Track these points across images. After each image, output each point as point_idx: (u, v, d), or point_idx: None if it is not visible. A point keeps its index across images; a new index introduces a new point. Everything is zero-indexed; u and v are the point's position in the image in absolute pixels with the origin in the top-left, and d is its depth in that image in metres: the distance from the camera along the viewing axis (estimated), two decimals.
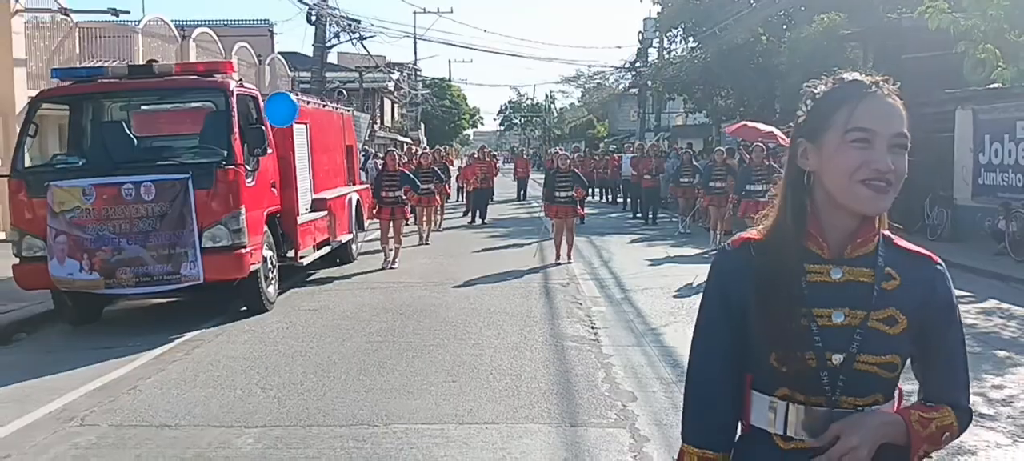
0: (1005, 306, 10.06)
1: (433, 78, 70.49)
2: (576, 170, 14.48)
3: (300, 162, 11.21)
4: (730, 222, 15.16)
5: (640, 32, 43.10)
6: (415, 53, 54.08)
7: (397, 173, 13.70)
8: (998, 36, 13.22)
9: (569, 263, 13.58)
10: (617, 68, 61.05)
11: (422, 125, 60.96)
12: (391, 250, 13.55)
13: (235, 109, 9.11)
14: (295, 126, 10.90)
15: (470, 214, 22.15)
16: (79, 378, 7.04)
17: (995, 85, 16.01)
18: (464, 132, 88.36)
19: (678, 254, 15.06)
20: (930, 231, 16.85)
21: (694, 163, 19.23)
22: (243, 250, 8.96)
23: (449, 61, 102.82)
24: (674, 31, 32.25)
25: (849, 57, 22.42)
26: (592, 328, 8.81)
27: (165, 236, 8.62)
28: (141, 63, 10.64)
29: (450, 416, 5.89)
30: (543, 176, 34.42)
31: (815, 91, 1.82)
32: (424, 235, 17.08)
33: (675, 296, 10.79)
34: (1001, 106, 15.52)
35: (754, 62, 27.88)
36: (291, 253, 10.55)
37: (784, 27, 27.50)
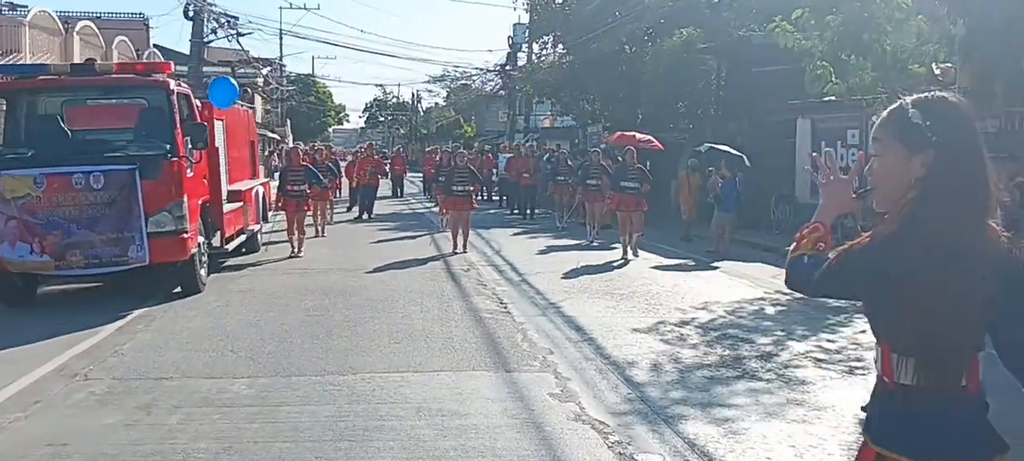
0: None
1: (297, 74, 70.05)
2: (471, 167, 15.80)
3: (221, 156, 12.06)
4: (607, 216, 16.89)
5: (510, 37, 44.81)
6: (281, 49, 53.28)
7: (302, 168, 14.65)
8: (834, 56, 15.39)
9: (465, 252, 14.88)
10: (482, 70, 62.78)
11: (288, 121, 60.68)
12: (297, 240, 14.48)
13: (177, 106, 9.95)
14: (216, 121, 11.74)
15: (357, 210, 23.08)
16: (53, 348, 7.80)
17: (829, 98, 18.48)
18: (329, 128, 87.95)
19: (560, 244, 16.66)
20: (776, 225, 19.19)
21: (569, 163, 20.92)
22: (185, 235, 9.84)
23: (313, 57, 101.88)
24: (546, 38, 34.05)
25: (704, 69, 24.83)
26: (501, 304, 10.17)
27: (113, 222, 9.40)
28: (80, 62, 11.23)
29: (405, 367, 7.12)
30: (420, 174, 35.70)
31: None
32: (319, 228, 17.96)
33: (564, 278, 12.30)
34: (834, 116, 17.91)
35: (619, 70, 29.94)
36: (217, 240, 11.38)
37: (647, 39, 29.67)
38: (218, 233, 11.40)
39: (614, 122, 32.27)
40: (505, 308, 9.86)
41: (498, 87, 53.01)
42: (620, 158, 16.12)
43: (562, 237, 18.04)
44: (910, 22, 14.72)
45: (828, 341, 8.47)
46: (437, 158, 20.47)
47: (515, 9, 42.00)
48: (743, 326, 9.15)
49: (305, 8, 54.97)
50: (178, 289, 10.56)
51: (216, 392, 6.35)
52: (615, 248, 15.85)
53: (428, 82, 78.71)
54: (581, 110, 35.08)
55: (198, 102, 10.98)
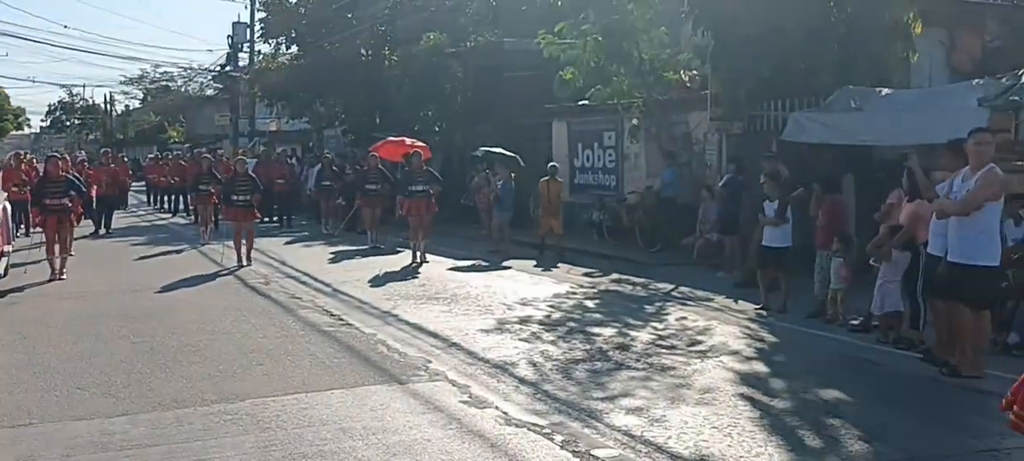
0: (625, 277, 13.05)
1: None
2: (254, 175, 15.00)
3: None
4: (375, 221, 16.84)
5: (230, 36, 42.73)
6: None
7: (62, 179, 13.09)
8: (592, 63, 16.46)
9: (250, 265, 14.13)
10: (187, 70, 59.29)
11: None
12: (60, 260, 12.93)
13: None
14: None
15: (95, 223, 20.87)
16: None
17: (584, 102, 19.77)
18: (9, 134, 78.33)
19: (343, 251, 16.32)
20: (535, 224, 20.15)
21: (334, 168, 20.50)
22: None
23: None
24: (278, 39, 32.90)
25: (453, 74, 25.40)
26: (333, 316, 9.86)
27: None
28: None
29: (291, 388, 6.74)
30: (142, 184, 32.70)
31: None
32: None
33: (375, 286, 12.16)
34: (590, 119, 19.17)
35: (358, 74, 29.74)
36: None
37: (386, 44, 29.70)
38: None
39: (353, 126, 32.04)
40: (342, 320, 9.57)
41: (218, 89, 50.29)
42: (409, 163, 16.16)
43: (337, 244, 17.67)
44: (652, 32, 16.25)
45: (660, 328, 9.21)
46: (201, 165, 18.97)
47: (244, 6, 39.62)
48: (578, 319, 9.66)
49: None
50: None
51: (99, 434, 5.63)
52: (401, 252, 15.90)
53: (124, 83, 72.54)
54: (316, 113, 34.38)
55: None
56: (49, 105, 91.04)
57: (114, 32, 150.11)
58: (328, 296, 11.33)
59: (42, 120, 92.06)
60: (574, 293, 11.54)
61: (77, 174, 16.35)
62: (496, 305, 10.55)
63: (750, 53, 13.92)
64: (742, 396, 6.59)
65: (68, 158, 13.52)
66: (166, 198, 28.47)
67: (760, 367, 7.64)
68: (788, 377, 7.18)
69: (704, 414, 6.08)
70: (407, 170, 15.79)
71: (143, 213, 28.10)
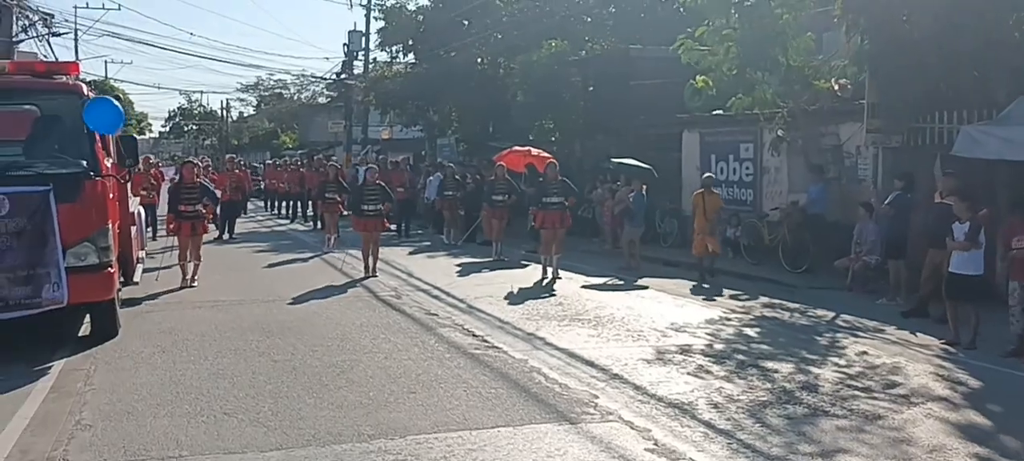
0: (776, 301, 12.01)
1: (93, 78, 64.61)
2: (381, 183, 14.58)
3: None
4: (501, 233, 16.22)
5: (346, 44, 43.09)
6: (76, 52, 48.30)
7: (197, 185, 12.92)
8: (738, 72, 15.46)
9: (375, 276, 13.69)
10: (300, 78, 60.36)
11: None
12: (193, 267, 12.76)
13: None
14: None
15: (219, 229, 20.99)
16: None
17: (718, 111, 18.73)
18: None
19: (469, 262, 15.78)
20: (662, 239, 19.24)
21: (456, 178, 20.03)
22: (111, 269, 8.18)
23: (105, 62, 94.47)
24: (395, 47, 32.82)
25: (571, 82, 24.63)
26: (476, 336, 9.21)
27: (23, 255, 7.63)
28: None
29: (451, 423, 6.08)
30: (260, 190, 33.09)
31: None
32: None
33: (512, 304, 11.49)
34: (725, 130, 18.12)
35: (474, 82, 29.35)
36: (136, 274, 9.68)
37: (502, 52, 29.23)
38: (129, 263, 9.66)
39: (466, 135, 31.69)
40: (487, 342, 8.91)
41: (330, 97, 50.94)
42: (543, 174, 15.56)
43: (461, 255, 17.14)
44: (800, 38, 15.10)
45: (842, 364, 8.21)
46: (328, 173, 18.60)
47: (364, 11, 39.80)
48: (745, 351, 8.74)
49: (103, 7, 50.47)
50: (85, 332, 8.83)
51: None
52: (527, 266, 15.24)
53: (240, 90, 74.77)
54: (429, 121, 34.19)
55: None
56: (169, 111, 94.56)
57: (237, 39, 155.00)
58: (464, 313, 10.70)
59: (162, 126, 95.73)
60: (729, 319, 10.60)
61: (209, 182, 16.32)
62: (647, 330, 9.72)
63: (915, 60, 12.73)
64: (978, 458, 5.60)
65: (199, 164, 13.29)
66: (284, 204, 28.68)
67: (979, 418, 6.59)
68: (1018, 433, 6.14)
69: None
70: (541, 181, 15.06)
71: (261, 218, 28.34)
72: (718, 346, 8.96)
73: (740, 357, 8.44)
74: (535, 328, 9.66)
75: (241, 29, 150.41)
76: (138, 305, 10.88)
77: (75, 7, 62.87)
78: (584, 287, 13.14)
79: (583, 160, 23.43)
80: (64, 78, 8.52)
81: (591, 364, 7.97)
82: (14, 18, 26.70)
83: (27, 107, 8.72)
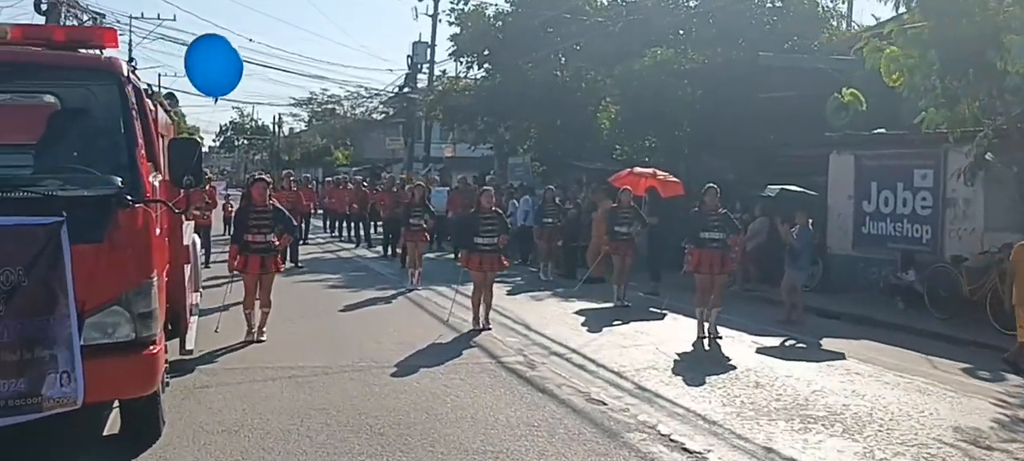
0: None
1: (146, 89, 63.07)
2: (498, 210, 11.60)
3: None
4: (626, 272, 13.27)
5: (409, 56, 40.54)
6: (131, 59, 46.28)
7: (269, 208, 10.02)
8: (932, 78, 12.29)
9: (489, 329, 10.74)
10: (352, 91, 58.07)
11: None
12: (260, 315, 9.88)
13: (134, 105, 5.41)
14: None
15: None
16: None
17: (880, 130, 15.51)
18: None
19: (587, 309, 12.77)
20: (806, 283, 15.98)
21: (557, 202, 17.05)
22: (154, 347, 5.27)
23: (158, 74, 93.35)
24: (469, 57, 29.96)
25: (676, 95, 21.43)
26: (686, 452, 6.18)
27: (15, 328, 4.77)
28: None
29: None
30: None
31: None
32: None
33: (697, 385, 8.44)
34: (892, 152, 14.90)
35: (554, 95, 26.49)
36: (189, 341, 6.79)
37: (586, 65, 26.38)
38: (180, 321, 6.80)
39: (543, 154, 28.67)
40: (691, 453, 5.89)
41: (386, 113, 48.43)
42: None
43: (569, 296, 14.08)
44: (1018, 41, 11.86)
45: None
46: (396, 191, 15.77)
47: (436, 19, 37.38)
48: None
49: (159, 17, 48.68)
50: (113, 431, 5.98)
51: None
52: (658, 313, 12.27)
53: (292, 104, 72.94)
54: (500, 138, 31.29)
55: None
56: (221, 125, 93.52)
57: (300, 48, 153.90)
58: (638, 398, 7.65)
59: (213, 140, 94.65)
60: (1008, 414, 7.44)
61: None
62: (931, 442, 6.60)
63: None
64: None
65: (270, 180, 10.49)
66: (347, 225, 25.98)
67: None
68: None
69: None
70: (696, 211, 11.93)
71: (321, 241, 25.55)
72: None
73: None
74: (766, 439, 6.55)
75: (304, 36, 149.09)
76: (189, 375, 7.99)
77: (131, 17, 60.76)
78: (761, 352, 10.05)
79: (689, 183, 20.29)
80: (95, 52, 5.64)
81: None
82: (62, 17, 24.44)
83: (40, 96, 5.91)
